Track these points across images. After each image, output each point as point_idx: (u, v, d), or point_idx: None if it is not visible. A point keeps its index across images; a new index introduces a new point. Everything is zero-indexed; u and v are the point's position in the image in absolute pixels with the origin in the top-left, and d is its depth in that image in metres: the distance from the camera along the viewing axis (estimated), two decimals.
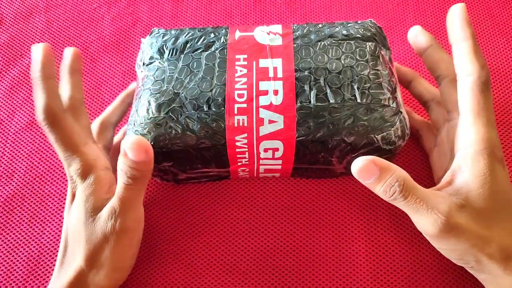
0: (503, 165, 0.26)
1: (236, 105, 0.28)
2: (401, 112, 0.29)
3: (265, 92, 0.28)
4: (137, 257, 0.32)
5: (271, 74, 0.28)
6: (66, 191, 0.36)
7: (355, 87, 0.28)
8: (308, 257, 0.33)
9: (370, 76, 0.28)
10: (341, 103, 0.28)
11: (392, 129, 0.28)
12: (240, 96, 0.28)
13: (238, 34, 0.31)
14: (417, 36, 0.31)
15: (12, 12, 0.44)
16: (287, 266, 0.32)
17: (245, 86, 0.28)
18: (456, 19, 0.27)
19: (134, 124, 0.29)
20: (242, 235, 0.34)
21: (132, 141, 0.25)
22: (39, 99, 0.27)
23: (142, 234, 0.31)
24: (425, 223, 0.25)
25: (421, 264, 0.32)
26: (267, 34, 0.30)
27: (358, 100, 0.28)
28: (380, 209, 0.34)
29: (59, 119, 0.27)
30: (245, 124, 0.28)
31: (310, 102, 0.28)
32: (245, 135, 0.28)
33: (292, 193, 0.35)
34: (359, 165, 0.25)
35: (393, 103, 0.28)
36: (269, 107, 0.28)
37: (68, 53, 0.31)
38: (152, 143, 0.28)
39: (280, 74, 0.28)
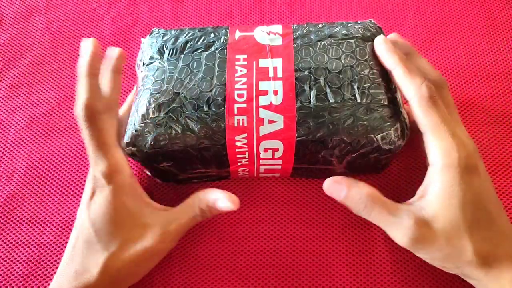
0: (477, 172, 0.26)
1: (236, 105, 0.28)
2: (401, 112, 0.29)
3: (265, 92, 0.28)
4: None
5: (271, 74, 0.28)
6: (66, 191, 0.36)
7: (355, 87, 0.28)
8: (308, 257, 0.33)
9: (370, 76, 0.28)
10: (341, 103, 0.28)
11: (392, 129, 0.28)
12: (240, 96, 0.28)
13: (238, 34, 0.31)
14: (382, 55, 0.30)
15: (12, 12, 0.44)
16: (287, 266, 0.32)
17: (245, 86, 0.28)
18: (380, 53, 0.29)
19: (134, 124, 0.29)
20: (242, 235, 0.34)
21: (235, 201, 0.28)
22: (81, 95, 0.27)
23: None
24: (396, 235, 0.27)
25: (422, 262, 0.32)
26: (267, 34, 0.30)
27: (358, 100, 0.28)
28: None
29: (98, 118, 0.27)
30: (245, 124, 0.28)
31: (310, 102, 0.28)
32: (245, 135, 0.28)
33: (292, 193, 0.35)
34: (327, 183, 0.28)
35: (392, 102, 0.28)
36: (269, 107, 0.28)
37: (114, 53, 0.31)
38: (152, 143, 0.28)
39: (280, 74, 0.28)
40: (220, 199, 0.28)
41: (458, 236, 0.25)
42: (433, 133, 0.26)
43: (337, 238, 0.33)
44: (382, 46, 0.29)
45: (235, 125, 0.28)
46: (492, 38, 0.41)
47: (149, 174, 0.34)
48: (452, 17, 0.42)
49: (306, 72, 0.28)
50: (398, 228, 0.26)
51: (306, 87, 0.28)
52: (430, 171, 0.27)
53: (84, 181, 0.36)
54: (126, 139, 0.29)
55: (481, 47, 0.40)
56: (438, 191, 0.26)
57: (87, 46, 0.28)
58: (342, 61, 0.29)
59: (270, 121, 0.28)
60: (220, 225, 0.34)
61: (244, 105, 0.28)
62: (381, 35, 0.30)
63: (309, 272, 0.32)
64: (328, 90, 0.28)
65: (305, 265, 0.32)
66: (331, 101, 0.28)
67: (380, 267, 0.32)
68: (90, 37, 0.43)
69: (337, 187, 0.28)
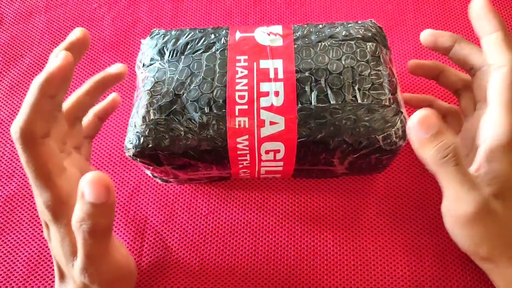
0: None
1: (237, 107, 0.28)
2: (402, 112, 0.29)
3: (266, 94, 0.28)
4: (135, 255, 0.32)
5: (271, 75, 0.28)
6: None
7: (356, 88, 0.28)
8: (308, 257, 0.33)
9: (370, 77, 0.28)
10: (342, 104, 0.28)
11: (393, 129, 0.28)
12: (241, 97, 0.28)
13: (238, 35, 0.31)
14: (436, 38, 0.29)
15: (12, 12, 0.44)
16: (287, 267, 0.32)
17: (245, 88, 0.28)
18: (481, 11, 0.26)
19: (135, 126, 0.29)
20: (242, 234, 0.34)
21: (91, 178, 0.21)
22: (22, 112, 0.23)
23: (140, 232, 0.31)
24: (464, 199, 0.24)
25: (422, 263, 0.32)
26: (268, 35, 0.30)
27: (359, 101, 0.28)
28: (381, 209, 0.34)
29: (39, 142, 0.23)
30: (246, 126, 0.28)
31: (311, 103, 0.28)
32: (246, 136, 0.28)
33: (293, 192, 0.35)
34: (420, 116, 0.24)
35: (393, 103, 0.28)
36: (270, 108, 0.28)
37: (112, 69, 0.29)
38: (153, 145, 0.28)
39: (280, 75, 0.28)
40: (84, 197, 0.22)
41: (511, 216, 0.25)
42: (508, 109, 0.25)
43: (337, 238, 0.33)
44: (483, 5, 0.26)
45: (236, 126, 0.28)
46: None
47: (149, 174, 0.34)
48: (452, 17, 0.42)
49: (307, 73, 0.28)
50: (470, 193, 0.24)
51: (307, 88, 0.28)
52: (491, 146, 0.25)
53: None
54: (127, 140, 0.29)
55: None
56: (500, 169, 0.25)
57: (59, 57, 0.24)
58: (343, 62, 0.29)
59: (271, 123, 0.28)
60: (220, 224, 0.34)
61: (245, 106, 0.28)
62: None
63: (310, 272, 0.32)
64: (329, 91, 0.28)
65: (306, 265, 0.32)
66: (332, 102, 0.28)
67: (381, 267, 0.32)
68: (90, 37, 0.43)
69: (431, 122, 0.24)
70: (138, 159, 0.29)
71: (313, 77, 0.28)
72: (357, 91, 0.28)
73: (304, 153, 0.29)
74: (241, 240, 0.33)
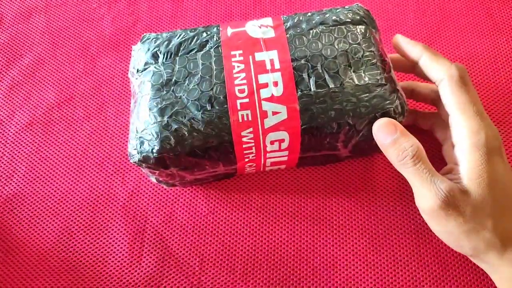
0: (501, 155, 0.26)
1: (238, 101, 0.28)
2: (398, 90, 0.29)
3: (265, 85, 0.28)
4: (135, 255, 0.32)
5: (268, 67, 0.29)
6: (66, 191, 0.36)
7: (352, 70, 0.28)
8: (308, 257, 0.32)
9: (364, 58, 0.29)
10: (340, 87, 0.28)
11: (393, 106, 0.28)
12: (241, 91, 0.28)
13: (230, 30, 0.31)
14: (406, 47, 0.31)
15: (12, 12, 0.44)
16: (286, 267, 0.32)
17: (244, 81, 0.28)
18: (404, 45, 0.30)
19: (136, 131, 0.28)
20: (242, 234, 0.33)
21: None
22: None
23: (140, 232, 0.31)
24: (426, 195, 0.26)
25: (424, 261, 0.32)
26: (259, 28, 0.31)
27: (356, 82, 0.28)
28: (381, 208, 0.34)
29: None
30: (249, 119, 0.28)
31: (310, 89, 0.28)
32: (251, 129, 0.28)
33: (293, 192, 0.35)
34: (380, 123, 0.27)
35: (389, 81, 0.29)
36: (271, 99, 0.28)
37: None
38: (159, 148, 0.28)
39: (277, 66, 0.29)
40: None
41: (483, 213, 0.25)
42: (462, 112, 0.26)
43: (338, 237, 0.33)
44: (403, 40, 0.30)
45: (240, 120, 0.28)
46: (493, 38, 0.41)
47: (154, 181, 0.33)
48: (452, 17, 0.42)
49: (302, 61, 0.29)
50: (431, 189, 0.26)
51: (305, 75, 0.28)
52: (456, 151, 0.27)
53: (84, 181, 0.36)
54: (131, 147, 0.29)
55: (481, 47, 0.40)
56: (466, 170, 0.26)
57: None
58: (336, 46, 0.29)
59: (274, 113, 0.28)
60: (220, 224, 0.34)
61: (246, 99, 0.28)
62: (398, 34, 0.31)
63: (310, 272, 0.32)
64: (326, 76, 0.28)
65: (306, 265, 0.32)
66: (330, 86, 0.28)
67: (381, 267, 0.32)
68: (90, 37, 0.43)
69: (389, 129, 0.27)
70: (144, 165, 0.29)
71: (309, 64, 0.29)
72: (353, 73, 0.28)
73: (308, 139, 0.29)
74: (241, 240, 0.33)
